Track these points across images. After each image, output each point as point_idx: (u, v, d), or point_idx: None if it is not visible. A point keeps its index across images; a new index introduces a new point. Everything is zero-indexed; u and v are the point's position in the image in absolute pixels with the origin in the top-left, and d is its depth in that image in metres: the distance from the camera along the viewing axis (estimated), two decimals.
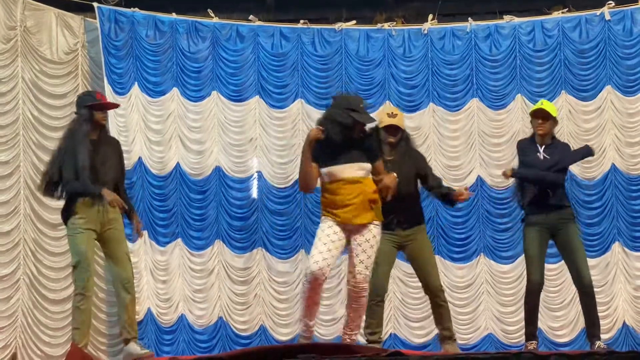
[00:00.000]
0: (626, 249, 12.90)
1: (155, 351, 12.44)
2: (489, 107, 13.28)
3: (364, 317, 7.70)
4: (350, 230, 7.32)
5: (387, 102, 13.26)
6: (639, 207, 12.93)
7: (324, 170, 7.38)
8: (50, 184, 8.01)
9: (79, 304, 7.82)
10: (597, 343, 8.25)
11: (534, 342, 8.41)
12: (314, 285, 7.23)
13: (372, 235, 7.29)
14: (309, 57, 13.50)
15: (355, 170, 7.29)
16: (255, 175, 13.40)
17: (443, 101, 13.31)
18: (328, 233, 7.28)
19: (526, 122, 13.11)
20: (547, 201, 8.31)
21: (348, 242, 7.36)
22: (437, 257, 12.75)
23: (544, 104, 8.52)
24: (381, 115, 8.09)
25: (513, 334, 12.90)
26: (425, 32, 13.46)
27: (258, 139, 13.41)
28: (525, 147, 8.49)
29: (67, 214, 7.97)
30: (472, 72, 13.33)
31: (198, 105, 13.39)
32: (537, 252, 8.42)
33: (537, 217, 8.40)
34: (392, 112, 8.06)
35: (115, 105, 8.63)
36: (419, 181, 8.32)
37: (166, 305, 12.99)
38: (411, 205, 8.07)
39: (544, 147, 8.36)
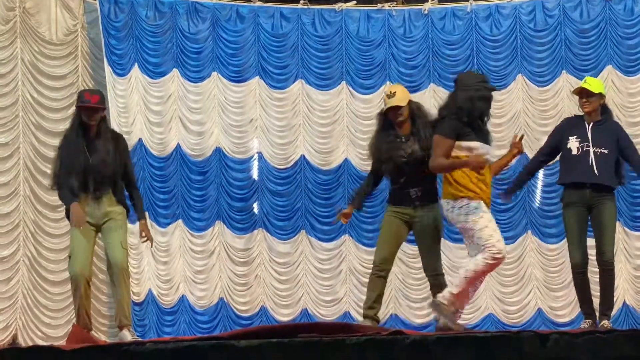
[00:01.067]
0: (626, 229, 12.90)
1: (156, 332, 12.48)
2: None
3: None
4: None
5: (387, 82, 13.25)
6: (639, 187, 12.92)
7: (475, 144, 7.16)
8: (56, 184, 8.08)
9: (73, 291, 7.91)
10: (604, 322, 8.10)
11: (588, 320, 8.07)
12: (497, 265, 7.38)
13: None
14: (310, 37, 13.47)
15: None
16: (256, 156, 13.39)
17: (443, 81, 13.28)
18: (490, 217, 7.23)
19: (527, 102, 13.13)
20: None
21: None
22: None
23: (587, 81, 8.26)
24: (384, 97, 7.82)
25: (513, 314, 12.93)
26: (426, 12, 13.43)
27: (258, 120, 13.40)
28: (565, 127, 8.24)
29: (67, 210, 8.04)
30: (473, 52, 13.31)
31: (198, 86, 13.37)
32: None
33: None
34: (390, 92, 7.69)
35: (96, 109, 8.14)
36: None
37: (167, 287, 13.00)
38: (428, 182, 7.58)
39: (592, 124, 8.07)
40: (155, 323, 12.73)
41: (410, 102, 7.62)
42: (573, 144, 8.03)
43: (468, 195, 7.11)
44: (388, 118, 7.61)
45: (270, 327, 8.41)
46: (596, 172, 7.86)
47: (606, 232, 8.01)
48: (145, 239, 8.01)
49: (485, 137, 7.25)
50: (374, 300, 7.72)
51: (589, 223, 8.06)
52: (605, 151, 7.88)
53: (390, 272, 7.91)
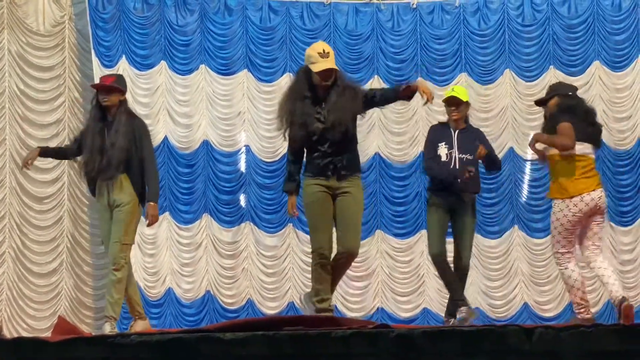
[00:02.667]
0: (613, 224, 12.93)
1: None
2: (478, 82, 13.27)
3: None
4: None
5: (376, 76, 13.25)
6: (626, 182, 12.97)
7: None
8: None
9: (113, 276, 7.84)
10: (452, 321, 8.28)
11: (463, 308, 8.15)
12: None
13: None
14: (298, 30, 13.46)
15: None
16: (243, 149, 13.37)
17: (431, 76, 13.29)
18: None
19: (514, 97, 13.15)
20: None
21: None
22: (425, 232, 12.84)
23: (455, 89, 8.52)
24: (312, 54, 7.10)
25: (499, 308, 12.96)
26: (414, 6, 13.43)
27: (246, 113, 13.38)
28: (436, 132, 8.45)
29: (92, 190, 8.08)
30: (461, 46, 13.31)
31: (186, 79, 13.35)
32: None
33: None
34: (324, 51, 7.08)
35: (117, 89, 8.13)
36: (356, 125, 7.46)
37: (154, 279, 12.99)
38: (348, 150, 7.17)
39: (457, 131, 8.29)
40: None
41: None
42: (442, 150, 8.23)
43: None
44: (310, 78, 7.10)
45: (257, 319, 8.39)
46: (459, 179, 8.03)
47: (465, 237, 8.22)
48: (150, 222, 7.99)
49: None
50: (325, 292, 7.24)
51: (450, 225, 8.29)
52: (470, 157, 8.09)
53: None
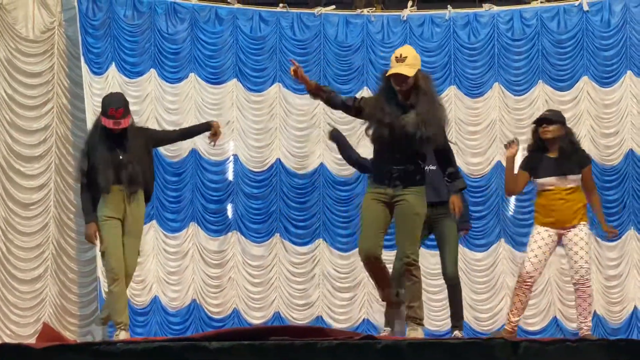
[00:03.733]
0: (599, 240, 12.95)
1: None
2: (467, 95, 13.31)
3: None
4: None
5: (365, 88, 13.27)
6: (612, 197, 13.01)
7: None
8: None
9: (112, 287, 7.97)
10: (455, 332, 8.33)
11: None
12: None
13: None
14: (288, 41, 13.47)
15: None
16: (232, 158, 13.37)
17: None
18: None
19: (503, 111, 13.19)
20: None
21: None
22: None
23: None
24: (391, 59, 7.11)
25: (485, 322, 12.97)
26: (405, 18, 13.46)
27: (235, 122, 13.38)
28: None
29: (95, 204, 8.10)
30: (450, 59, 13.34)
31: (175, 87, 13.35)
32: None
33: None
34: (400, 55, 7.03)
35: (119, 129, 7.98)
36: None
37: (140, 287, 12.95)
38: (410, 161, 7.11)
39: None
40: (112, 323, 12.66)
41: (418, 71, 7.02)
42: None
43: None
44: (390, 82, 7.04)
45: (243, 329, 8.39)
46: (432, 191, 8.00)
47: (447, 248, 8.28)
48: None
49: None
50: (397, 285, 7.31)
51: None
52: (434, 167, 7.90)
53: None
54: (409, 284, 7.21)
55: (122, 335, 7.92)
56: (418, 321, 7.20)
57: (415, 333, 7.09)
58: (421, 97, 6.99)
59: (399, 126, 6.93)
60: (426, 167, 7.45)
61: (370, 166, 7.94)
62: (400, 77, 6.95)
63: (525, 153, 8.44)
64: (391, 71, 6.97)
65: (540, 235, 8.12)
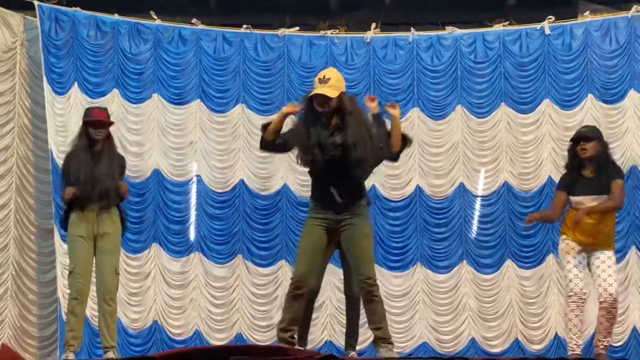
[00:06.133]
0: (558, 260, 13.00)
1: (88, 353, 12.31)
2: (430, 117, 13.35)
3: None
4: None
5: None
6: None
7: None
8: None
9: (73, 307, 8.00)
10: (352, 353, 8.29)
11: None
12: None
13: None
14: (251, 62, 13.47)
15: None
16: (195, 179, 13.33)
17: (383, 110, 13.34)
18: None
19: (465, 133, 13.25)
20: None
21: None
22: (375, 266, 12.82)
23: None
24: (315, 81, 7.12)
25: (447, 343, 12.98)
26: (368, 40, 13.51)
27: (198, 143, 13.35)
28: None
29: (66, 222, 8.16)
30: (414, 81, 13.40)
31: (138, 108, 13.30)
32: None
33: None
34: (323, 77, 7.05)
35: (109, 123, 8.38)
36: None
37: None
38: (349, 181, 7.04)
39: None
40: (86, 345, 12.55)
41: (342, 94, 7.03)
42: None
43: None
44: (312, 104, 7.05)
45: (203, 348, 8.36)
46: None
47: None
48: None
49: None
50: (290, 322, 7.08)
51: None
52: None
53: (313, 290, 7.40)
54: (372, 306, 7.13)
55: (70, 356, 7.91)
56: (390, 341, 7.14)
57: (391, 354, 7.00)
58: (347, 117, 6.96)
59: (328, 145, 6.88)
60: None
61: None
62: (322, 98, 6.93)
63: (562, 172, 8.55)
64: (314, 92, 6.95)
65: (575, 251, 8.18)
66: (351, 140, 6.88)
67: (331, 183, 6.96)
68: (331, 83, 6.96)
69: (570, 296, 8.17)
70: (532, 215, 8.75)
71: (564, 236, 8.34)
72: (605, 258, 8.15)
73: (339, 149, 6.90)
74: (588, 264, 8.28)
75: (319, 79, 7.01)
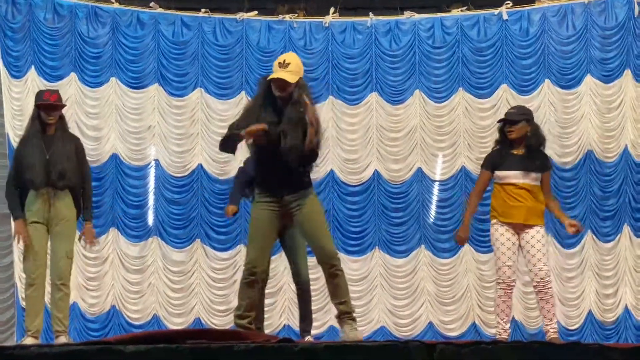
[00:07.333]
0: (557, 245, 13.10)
1: (45, 339, 12.25)
2: (388, 102, 13.40)
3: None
4: None
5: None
6: None
7: None
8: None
9: (28, 292, 8.00)
10: (307, 337, 8.38)
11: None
12: None
13: None
14: (210, 46, 13.44)
15: None
16: (153, 163, 13.29)
17: (342, 94, 13.39)
18: None
19: (423, 118, 13.30)
20: None
21: None
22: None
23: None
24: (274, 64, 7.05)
25: (405, 327, 13.06)
26: (327, 25, 13.51)
27: (156, 127, 13.30)
28: None
29: (23, 203, 8.12)
30: (372, 66, 13.43)
31: (96, 91, 13.23)
32: None
33: None
34: (283, 61, 6.96)
35: (61, 106, 8.36)
36: None
37: None
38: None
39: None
40: (44, 330, 12.46)
41: (300, 80, 6.92)
42: None
43: None
44: (269, 88, 6.96)
45: (159, 332, 8.33)
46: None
47: (300, 252, 8.33)
48: (86, 243, 8.16)
49: None
50: (246, 309, 7.03)
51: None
52: None
53: (264, 275, 7.44)
54: (336, 281, 7.03)
55: (29, 340, 7.90)
56: (353, 317, 7.05)
57: (356, 333, 6.93)
58: (289, 106, 6.87)
59: (275, 134, 6.80)
60: None
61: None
62: (281, 83, 6.86)
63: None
64: (272, 76, 6.87)
65: (505, 237, 8.20)
66: (283, 128, 6.80)
67: (278, 169, 6.90)
68: (291, 68, 6.89)
69: (498, 283, 8.28)
70: (459, 237, 8.65)
71: (493, 220, 8.33)
72: (534, 232, 8.20)
73: (274, 134, 6.82)
74: (519, 245, 8.34)
75: (279, 62, 6.92)
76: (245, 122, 6.91)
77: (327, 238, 7.09)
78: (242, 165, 9.01)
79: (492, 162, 8.33)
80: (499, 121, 8.50)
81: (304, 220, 6.98)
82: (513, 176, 8.20)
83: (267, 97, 6.99)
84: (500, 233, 8.25)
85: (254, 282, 6.99)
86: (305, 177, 7.02)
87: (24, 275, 8.41)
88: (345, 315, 7.04)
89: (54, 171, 7.97)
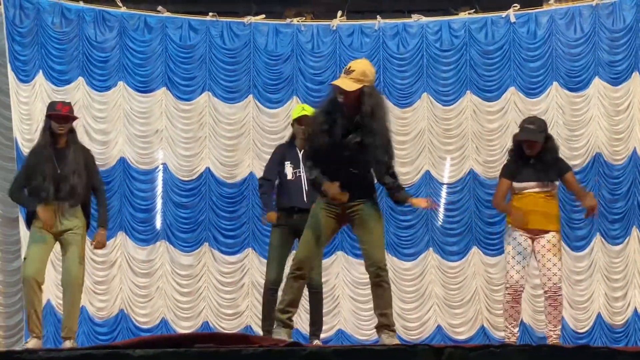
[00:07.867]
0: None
1: (54, 342, 12.27)
2: (396, 105, 13.36)
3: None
4: None
5: (294, 97, 13.29)
6: None
7: None
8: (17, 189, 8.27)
9: (24, 295, 8.14)
10: (316, 341, 8.48)
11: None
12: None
13: None
14: (217, 50, 13.44)
15: None
16: (160, 167, 13.29)
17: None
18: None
19: (431, 121, 13.29)
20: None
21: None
22: (342, 254, 12.86)
23: (306, 109, 8.73)
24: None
25: (413, 330, 13.04)
26: (334, 28, 13.51)
27: (164, 131, 13.31)
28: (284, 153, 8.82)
29: (29, 217, 8.18)
30: (380, 69, 13.39)
31: (104, 96, 13.24)
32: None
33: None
34: (349, 67, 6.99)
35: (73, 118, 8.40)
36: None
37: None
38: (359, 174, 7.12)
39: (302, 151, 8.34)
40: (52, 334, 12.51)
41: (365, 87, 6.88)
42: (288, 169, 8.64)
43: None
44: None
45: (167, 336, 8.33)
46: (306, 198, 8.22)
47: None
48: (94, 246, 8.30)
49: None
50: (287, 304, 7.11)
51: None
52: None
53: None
54: (380, 292, 7.13)
55: (33, 343, 7.93)
56: (393, 329, 7.12)
57: (392, 340, 6.98)
58: (365, 120, 6.84)
59: (343, 146, 6.82)
60: (296, 172, 7.75)
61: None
62: (339, 90, 6.86)
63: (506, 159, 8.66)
64: (334, 82, 6.95)
65: (517, 241, 8.24)
66: (370, 141, 6.85)
67: (342, 176, 6.94)
68: (353, 75, 6.87)
69: (507, 287, 8.31)
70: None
71: (509, 225, 8.43)
72: (550, 237, 8.23)
73: (355, 147, 6.87)
74: (533, 250, 8.35)
75: (345, 68, 6.98)
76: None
77: (380, 248, 7.15)
78: (262, 176, 9.10)
79: (511, 172, 8.39)
80: (518, 138, 8.51)
81: (362, 225, 7.04)
82: (529, 187, 8.26)
83: (334, 104, 7.01)
84: (512, 237, 8.28)
85: (299, 277, 7.04)
86: (371, 183, 7.15)
87: None
88: (384, 327, 7.10)
89: (64, 187, 8.00)
